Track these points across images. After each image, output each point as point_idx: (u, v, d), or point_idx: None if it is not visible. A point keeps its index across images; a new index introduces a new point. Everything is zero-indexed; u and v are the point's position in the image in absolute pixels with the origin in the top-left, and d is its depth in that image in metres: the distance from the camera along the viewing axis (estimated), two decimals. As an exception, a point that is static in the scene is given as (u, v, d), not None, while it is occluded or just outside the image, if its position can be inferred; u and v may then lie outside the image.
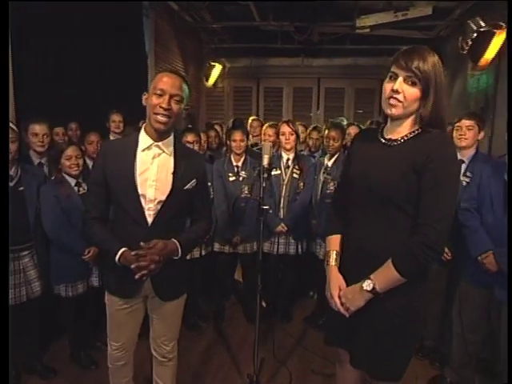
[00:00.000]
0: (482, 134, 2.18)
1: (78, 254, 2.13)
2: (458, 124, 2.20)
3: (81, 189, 2.21)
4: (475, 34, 2.96)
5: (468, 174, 2.13)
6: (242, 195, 2.74)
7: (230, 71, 6.06)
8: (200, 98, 6.20)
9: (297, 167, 2.76)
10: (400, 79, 1.15)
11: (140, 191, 1.40)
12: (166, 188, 1.42)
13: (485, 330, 2.06)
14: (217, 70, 5.70)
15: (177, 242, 1.45)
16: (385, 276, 1.18)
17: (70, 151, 2.16)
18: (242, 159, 2.79)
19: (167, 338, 1.63)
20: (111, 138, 3.33)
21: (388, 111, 1.20)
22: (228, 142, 2.82)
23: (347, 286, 1.28)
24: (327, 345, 1.46)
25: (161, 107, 1.34)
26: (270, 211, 1.84)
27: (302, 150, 3.29)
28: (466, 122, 2.17)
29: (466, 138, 2.16)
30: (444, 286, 2.34)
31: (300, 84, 6.17)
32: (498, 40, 2.90)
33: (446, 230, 1.15)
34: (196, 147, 2.60)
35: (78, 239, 2.10)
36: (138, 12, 4.11)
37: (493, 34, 2.90)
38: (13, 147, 1.95)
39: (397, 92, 1.15)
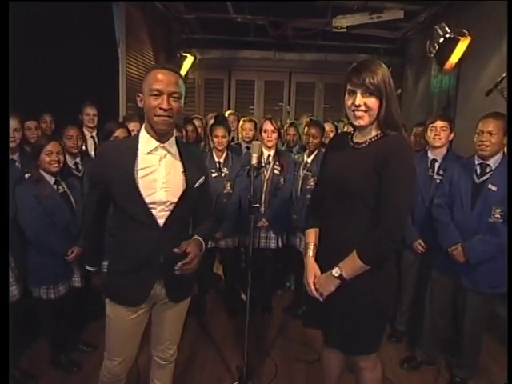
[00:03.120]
0: (452, 134, 2.36)
1: (59, 255, 2.06)
2: (432, 125, 2.36)
3: (60, 187, 2.12)
4: (442, 39, 3.15)
5: (441, 172, 2.30)
6: (225, 191, 2.76)
7: (201, 62, 5.94)
8: (170, 88, 6.05)
9: (277, 163, 2.82)
10: (358, 95, 1.30)
11: (147, 195, 1.34)
12: (177, 189, 1.39)
13: (450, 313, 2.27)
14: (188, 61, 5.56)
15: (200, 239, 1.44)
16: (351, 264, 1.34)
17: (51, 146, 2.05)
18: (224, 155, 2.81)
19: (172, 341, 1.60)
20: (85, 132, 3.20)
21: (357, 123, 1.35)
22: (210, 138, 2.82)
23: (322, 273, 1.43)
24: (306, 327, 1.65)
25: (161, 108, 1.28)
26: (262, 209, 1.88)
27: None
28: (440, 123, 2.32)
29: (440, 138, 2.32)
30: (415, 276, 2.53)
31: (272, 77, 6.21)
32: (462, 46, 3.12)
33: (402, 222, 1.34)
34: None
35: (60, 240, 2.03)
36: (107, -2, 3.93)
37: (458, 40, 3.10)
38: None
39: (359, 106, 1.30)
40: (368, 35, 4.75)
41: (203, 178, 1.48)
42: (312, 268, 1.48)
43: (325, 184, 1.50)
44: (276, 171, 2.80)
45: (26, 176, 2.09)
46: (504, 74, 2.24)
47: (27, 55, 2.89)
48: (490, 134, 1.93)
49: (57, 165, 2.06)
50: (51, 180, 2.10)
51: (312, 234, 1.55)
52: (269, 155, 2.81)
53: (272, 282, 3.14)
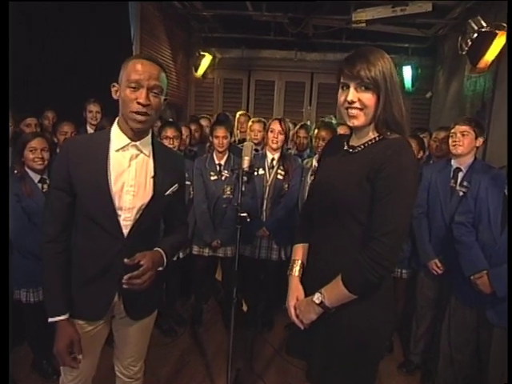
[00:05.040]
0: (479, 140, 2.03)
1: (39, 258, 1.94)
2: (452, 130, 2.06)
3: (45, 186, 2.01)
4: (476, 34, 2.81)
5: (465, 183, 1.99)
6: (224, 196, 2.57)
7: (221, 62, 5.83)
8: (188, 88, 5.97)
9: (281, 168, 2.59)
10: (351, 89, 1.09)
11: (115, 198, 1.19)
12: (145, 194, 1.23)
13: (472, 349, 1.95)
14: (207, 60, 5.47)
15: (161, 251, 1.26)
16: (334, 290, 1.13)
17: (35, 143, 1.95)
18: (225, 157, 2.62)
19: (135, 358, 1.45)
20: (88, 129, 3.13)
21: (350, 123, 1.13)
22: (211, 138, 2.64)
23: (306, 296, 1.23)
24: (288, 355, 1.48)
25: (138, 103, 1.12)
26: (248, 220, 1.67)
27: (289, 149, 3.13)
28: (460, 128, 2.02)
29: (460, 145, 2.01)
30: (432, 300, 2.22)
31: (293, 78, 5.96)
32: (500, 41, 2.76)
33: (396, 243, 1.07)
34: (176, 143, 2.41)
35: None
36: (123, -5, 3.87)
37: (494, 35, 2.75)
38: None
39: (353, 102, 1.09)
40: (396, 34, 4.44)
41: (176, 185, 1.30)
42: (295, 289, 1.28)
43: (313, 194, 1.31)
44: (280, 176, 2.57)
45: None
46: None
47: (35, 50, 2.85)
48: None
49: (41, 162, 1.96)
50: (36, 178, 2.00)
51: (299, 251, 1.35)
52: (273, 159, 2.59)
53: (275, 296, 2.91)
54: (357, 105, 1.10)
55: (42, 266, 1.25)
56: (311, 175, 2.57)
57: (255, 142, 3.25)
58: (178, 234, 1.40)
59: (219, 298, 3.13)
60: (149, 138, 1.25)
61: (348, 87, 1.11)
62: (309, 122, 4.15)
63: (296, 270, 1.31)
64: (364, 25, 3.29)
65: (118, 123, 1.22)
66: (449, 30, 4.23)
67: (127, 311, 1.31)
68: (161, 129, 2.45)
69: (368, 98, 1.09)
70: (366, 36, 4.78)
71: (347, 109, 1.12)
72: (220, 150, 2.56)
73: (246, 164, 1.70)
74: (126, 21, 3.99)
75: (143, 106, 1.12)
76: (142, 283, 1.18)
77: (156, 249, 1.26)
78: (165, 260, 1.26)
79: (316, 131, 2.54)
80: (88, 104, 3.16)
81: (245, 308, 2.95)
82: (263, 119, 3.27)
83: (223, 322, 2.83)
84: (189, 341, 2.60)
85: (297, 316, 1.22)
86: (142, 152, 1.22)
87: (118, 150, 1.20)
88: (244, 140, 3.43)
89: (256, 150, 3.28)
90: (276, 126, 2.55)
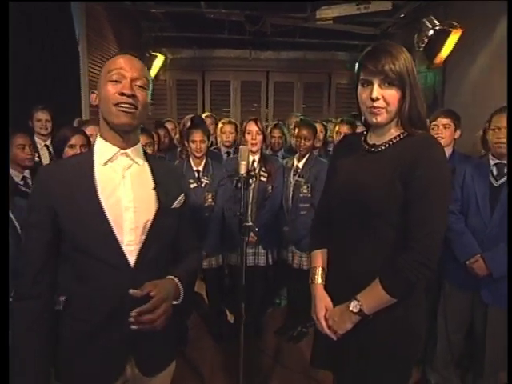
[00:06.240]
0: (458, 132, 2.13)
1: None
2: (434, 122, 2.13)
3: None
4: (431, 32, 2.96)
5: (449, 174, 2.07)
6: (206, 204, 2.43)
7: (172, 63, 5.58)
8: (140, 91, 5.63)
9: (264, 169, 2.51)
10: (375, 85, 1.06)
11: (112, 219, 0.98)
12: (148, 209, 1.03)
13: (467, 329, 2.04)
14: (158, 60, 5.19)
15: (176, 279, 1.03)
16: (373, 296, 1.08)
17: (75, 139, 1.83)
18: (203, 163, 2.47)
19: None
20: (36, 140, 2.79)
21: (373, 120, 1.09)
22: (186, 144, 2.48)
23: (334, 305, 1.18)
24: (314, 367, 1.36)
25: (122, 94, 0.96)
26: (257, 229, 1.57)
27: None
28: (442, 121, 2.10)
29: (443, 137, 2.08)
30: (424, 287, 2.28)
31: (248, 77, 5.91)
32: (453, 39, 2.95)
33: (439, 244, 1.05)
34: (149, 151, 2.22)
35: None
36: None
37: (448, 33, 2.93)
38: None
39: (377, 99, 1.06)
40: (346, 32, 4.56)
41: (183, 196, 1.12)
42: (322, 299, 1.21)
43: (334, 196, 1.23)
44: (263, 178, 2.49)
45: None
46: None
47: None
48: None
49: None
50: None
51: (319, 257, 1.28)
52: (253, 160, 2.49)
53: (262, 300, 2.84)
54: (380, 103, 1.07)
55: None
56: (294, 176, 2.53)
57: (227, 144, 3.14)
58: (192, 259, 1.18)
59: (202, 312, 2.97)
60: (139, 145, 1.08)
61: (370, 83, 1.07)
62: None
63: (319, 277, 1.25)
64: (331, 21, 3.32)
65: (100, 136, 1.04)
66: (397, 29, 4.46)
67: (140, 366, 1.05)
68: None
69: (392, 94, 1.06)
70: (319, 34, 4.86)
71: (370, 106, 1.08)
72: (198, 155, 2.41)
73: (243, 169, 1.59)
74: (68, 18, 3.63)
75: (128, 96, 0.96)
76: (156, 319, 0.94)
77: (169, 277, 1.03)
78: (181, 290, 1.04)
79: (296, 130, 2.50)
80: (35, 111, 2.83)
81: (230, 318, 2.84)
82: (234, 120, 3.17)
83: (211, 337, 2.68)
84: (176, 362, 2.42)
85: (329, 326, 1.16)
86: (134, 161, 1.04)
87: (105, 163, 1.01)
88: (212, 144, 3.30)
89: (228, 154, 3.18)
90: (252, 126, 2.46)
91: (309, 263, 2.52)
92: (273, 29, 4.34)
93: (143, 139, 2.20)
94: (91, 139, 2.22)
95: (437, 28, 2.96)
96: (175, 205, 1.10)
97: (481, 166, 1.87)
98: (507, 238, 1.64)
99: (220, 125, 3.12)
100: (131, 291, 0.94)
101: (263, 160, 2.52)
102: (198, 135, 2.38)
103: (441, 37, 2.98)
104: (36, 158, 2.42)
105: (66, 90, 3.51)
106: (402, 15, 4.04)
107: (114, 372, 1.01)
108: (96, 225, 0.97)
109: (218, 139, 3.16)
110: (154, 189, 1.05)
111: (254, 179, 2.45)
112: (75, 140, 1.92)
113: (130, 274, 0.98)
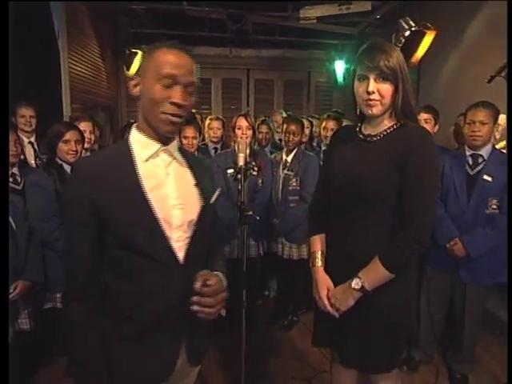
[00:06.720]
0: (437, 127, 2.29)
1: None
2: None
3: None
4: (408, 33, 3.13)
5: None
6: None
7: (153, 60, 5.53)
8: (119, 89, 5.56)
9: (253, 164, 2.58)
10: (371, 80, 1.17)
11: (161, 217, 0.96)
12: (192, 206, 1.02)
13: (447, 308, 2.20)
14: (138, 58, 5.13)
15: (221, 275, 1.04)
16: (373, 273, 1.19)
17: (70, 135, 1.92)
18: (195, 158, 2.51)
19: None
20: (21, 136, 2.72)
21: (369, 111, 1.20)
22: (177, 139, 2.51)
23: (335, 286, 1.29)
24: (316, 346, 1.46)
25: (172, 103, 0.92)
26: (258, 218, 1.65)
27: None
28: (424, 116, 2.25)
29: None
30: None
31: (229, 75, 5.95)
32: (428, 39, 3.13)
33: (432, 220, 1.19)
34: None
35: None
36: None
37: (424, 34, 3.10)
38: None
39: (372, 93, 1.17)
40: (325, 31, 4.70)
41: (219, 190, 1.14)
42: (323, 280, 1.33)
43: (332, 184, 1.33)
44: (253, 172, 2.56)
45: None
46: (505, 61, 2.19)
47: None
48: (482, 123, 1.88)
49: (74, 154, 1.93)
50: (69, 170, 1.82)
51: (318, 241, 1.39)
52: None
53: (253, 293, 2.91)
54: (375, 96, 1.17)
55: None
56: (283, 169, 2.62)
57: (214, 140, 3.19)
58: (221, 253, 1.21)
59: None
60: (176, 141, 1.05)
61: (366, 78, 1.18)
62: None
63: (319, 260, 1.36)
64: (315, 21, 3.43)
65: (137, 129, 1.00)
66: (374, 29, 4.64)
67: (189, 355, 1.05)
68: (124, 132, 2.26)
69: (386, 88, 1.18)
70: (299, 33, 4.98)
71: (366, 99, 1.18)
72: (190, 151, 2.45)
73: (242, 161, 1.65)
74: (47, 13, 3.56)
75: (179, 106, 0.93)
76: (215, 304, 0.95)
77: (216, 273, 1.02)
78: (224, 285, 1.04)
79: (285, 126, 2.58)
80: (19, 107, 2.77)
81: (223, 312, 2.89)
82: (221, 117, 3.22)
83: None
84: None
85: (331, 305, 1.27)
86: (174, 158, 1.02)
87: (147, 160, 0.98)
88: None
89: (215, 149, 3.23)
90: (242, 122, 2.53)
91: (298, 254, 2.66)
92: (254, 27, 4.41)
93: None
94: (85, 135, 2.23)
95: (413, 29, 3.12)
96: (214, 199, 1.11)
97: (458, 157, 2.03)
98: (507, 238, 1.80)
99: (207, 121, 3.16)
100: (196, 285, 0.93)
101: (253, 154, 2.59)
102: (190, 131, 2.43)
103: (416, 37, 3.14)
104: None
105: (48, 87, 3.44)
106: (379, 16, 4.21)
107: (165, 369, 1.00)
108: (145, 222, 0.95)
109: (206, 135, 3.20)
110: (196, 185, 1.06)
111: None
112: (69, 135, 1.93)
113: (179, 271, 0.98)
